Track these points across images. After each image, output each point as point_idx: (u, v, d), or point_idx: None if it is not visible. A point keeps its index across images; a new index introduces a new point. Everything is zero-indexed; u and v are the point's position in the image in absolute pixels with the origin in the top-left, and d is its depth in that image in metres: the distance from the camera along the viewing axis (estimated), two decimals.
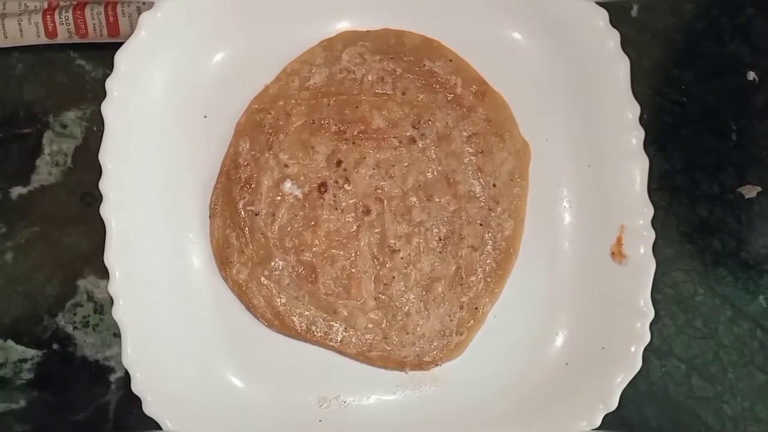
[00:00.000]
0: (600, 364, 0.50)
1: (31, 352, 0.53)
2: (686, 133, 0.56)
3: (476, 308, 0.52)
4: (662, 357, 0.55)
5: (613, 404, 0.48)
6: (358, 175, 0.52)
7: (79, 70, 0.55)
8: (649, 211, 0.50)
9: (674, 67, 0.57)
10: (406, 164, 0.52)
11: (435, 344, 0.51)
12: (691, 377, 0.55)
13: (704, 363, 0.54)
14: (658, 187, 0.53)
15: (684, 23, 0.57)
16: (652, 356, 0.53)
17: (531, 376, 0.52)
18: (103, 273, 0.48)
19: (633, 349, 0.49)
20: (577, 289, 0.52)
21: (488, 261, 0.52)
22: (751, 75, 0.57)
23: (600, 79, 0.51)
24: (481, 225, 0.52)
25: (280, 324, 0.51)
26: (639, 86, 0.50)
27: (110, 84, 0.48)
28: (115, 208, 0.48)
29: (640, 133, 0.50)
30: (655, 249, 0.49)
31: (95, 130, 0.54)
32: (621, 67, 0.50)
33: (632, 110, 0.50)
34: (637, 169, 0.50)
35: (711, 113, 0.56)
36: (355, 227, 0.52)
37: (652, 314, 0.49)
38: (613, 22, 0.50)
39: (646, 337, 0.49)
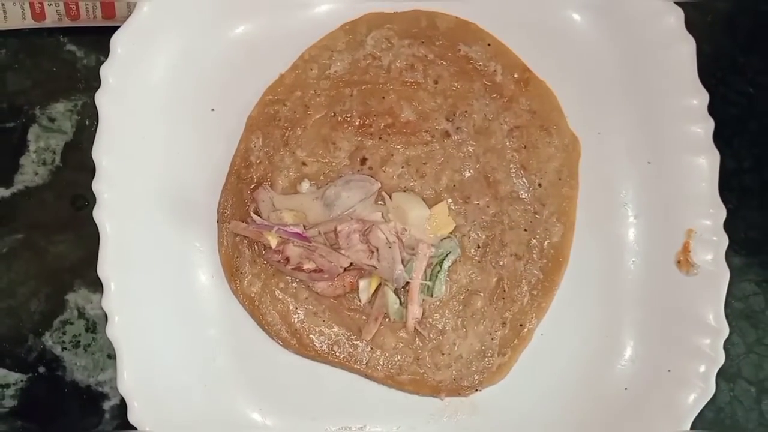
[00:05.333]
0: (665, 388, 0.48)
1: (14, 376, 0.52)
2: (754, 126, 0.55)
3: (521, 325, 0.50)
4: (730, 379, 0.53)
5: None
6: (384, 175, 0.50)
7: (69, 57, 0.54)
8: (720, 212, 0.49)
9: (740, 54, 0.55)
10: (440, 162, 0.51)
11: (474, 367, 0.50)
12: (762, 402, 0.53)
13: None
14: (723, 187, 0.51)
15: (750, 4, 0.56)
16: (718, 378, 0.50)
17: (584, 404, 0.50)
18: (96, 286, 0.48)
19: (703, 369, 0.48)
20: (638, 303, 0.51)
21: (534, 271, 0.51)
22: None
23: (661, 63, 0.50)
24: (525, 230, 0.51)
25: (298, 344, 0.50)
26: (700, 75, 0.50)
27: (105, 71, 0.48)
28: (111, 212, 0.48)
29: (708, 124, 0.49)
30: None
31: (88, 124, 0.53)
32: (685, 48, 0.50)
33: (699, 97, 0.50)
34: (706, 164, 0.49)
35: None
36: None
37: (726, 331, 0.48)
38: None
39: (720, 358, 0.49)
